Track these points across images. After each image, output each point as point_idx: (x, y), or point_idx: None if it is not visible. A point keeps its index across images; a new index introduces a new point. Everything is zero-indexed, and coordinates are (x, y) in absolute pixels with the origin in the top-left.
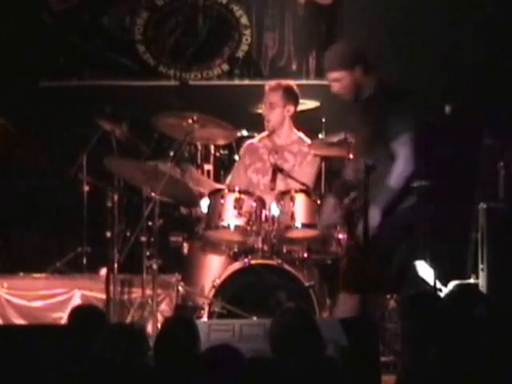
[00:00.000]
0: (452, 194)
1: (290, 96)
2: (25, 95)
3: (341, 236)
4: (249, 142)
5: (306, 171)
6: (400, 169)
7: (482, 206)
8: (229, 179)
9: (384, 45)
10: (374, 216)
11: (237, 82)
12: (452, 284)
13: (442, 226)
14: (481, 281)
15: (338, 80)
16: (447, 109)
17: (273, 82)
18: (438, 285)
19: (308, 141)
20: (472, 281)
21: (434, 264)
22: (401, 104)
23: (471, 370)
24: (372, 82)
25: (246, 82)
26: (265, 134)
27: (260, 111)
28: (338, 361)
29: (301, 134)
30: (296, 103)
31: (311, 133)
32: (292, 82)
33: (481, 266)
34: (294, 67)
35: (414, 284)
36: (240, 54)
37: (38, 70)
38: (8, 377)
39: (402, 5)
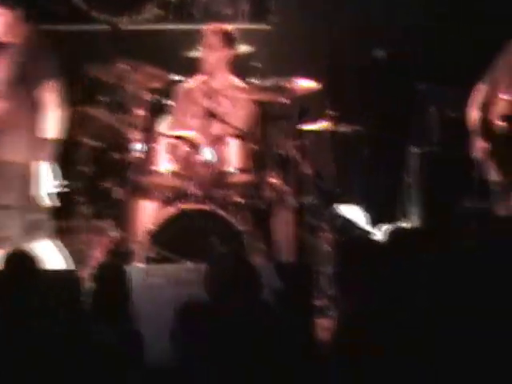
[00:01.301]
0: (384, 138)
1: (229, 40)
2: None
3: (274, 181)
4: (184, 85)
5: (241, 115)
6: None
7: (415, 150)
8: (163, 124)
9: None
10: None
11: (169, 26)
12: (384, 228)
13: (374, 170)
14: (412, 224)
15: None
16: (378, 53)
17: (212, 25)
18: (370, 229)
19: (243, 85)
20: (403, 225)
21: (366, 208)
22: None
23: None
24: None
25: (179, 26)
26: (200, 77)
27: (192, 56)
28: (273, 305)
29: (236, 79)
30: (234, 48)
31: (245, 77)
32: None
33: (412, 210)
34: (228, 11)
35: (347, 228)
36: None
37: None
38: None
39: None
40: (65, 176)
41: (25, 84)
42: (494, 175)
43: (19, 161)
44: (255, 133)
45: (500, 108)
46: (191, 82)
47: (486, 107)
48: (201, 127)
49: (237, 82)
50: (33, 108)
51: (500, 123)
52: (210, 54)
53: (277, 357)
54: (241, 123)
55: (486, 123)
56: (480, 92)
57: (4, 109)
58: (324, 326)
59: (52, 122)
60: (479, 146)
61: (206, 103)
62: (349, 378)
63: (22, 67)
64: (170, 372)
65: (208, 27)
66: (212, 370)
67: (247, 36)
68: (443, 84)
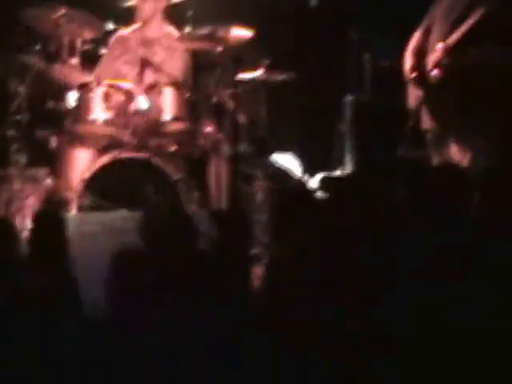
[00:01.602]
0: (318, 86)
1: None
2: None
3: (209, 129)
4: (119, 33)
5: (176, 64)
6: None
7: (349, 98)
8: (98, 72)
9: None
10: None
11: None
12: (319, 176)
13: (309, 118)
14: (347, 173)
15: None
16: (312, 1)
17: None
18: (305, 177)
19: (178, 34)
20: (338, 173)
21: (300, 156)
22: None
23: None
24: None
25: None
26: (136, 26)
27: (127, 4)
28: (209, 252)
29: (171, 28)
30: None
31: (178, 26)
32: None
33: (347, 158)
34: None
35: (281, 176)
36: None
37: None
38: None
39: None
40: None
41: None
42: (428, 124)
43: None
44: (190, 82)
45: (435, 56)
46: (128, 30)
47: (420, 55)
48: (135, 76)
49: (172, 30)
50: None
51: (435, 71)
52: (145, 2)
53: (212, 306)
54: (176, 72)
55: (420, 71)
56: (415, 40)
57: None
58: (259, 274)
59: None
60: (414, 95)
61: (141, 52)
62: (280, 326)
63: None
64: (104, 321)
65: None
66: (146, 319)
67: None
68: (379, 32)
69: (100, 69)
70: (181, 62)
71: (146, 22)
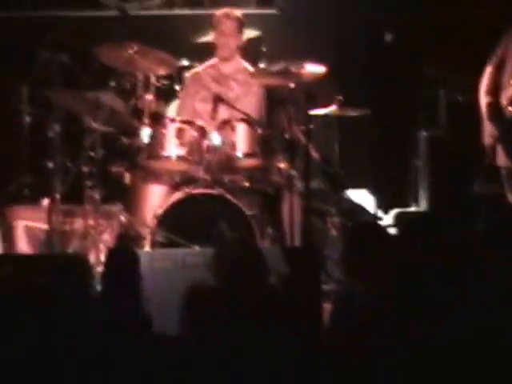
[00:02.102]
0: (392, 122)
1: (241, 25)
2: None
3: (282, 165)
4: (193, 70)
5: (253, 102)
6: None
7: (423, 133)
8: (172, 109)
9: None
10: None
11: (177, 11)
12: (393, 212)
13: (383, 154)
14: (421, 209)
15: None
16: (387, 37)
17: (224, 11)
18: (378, 213)
19: (252, 70)
20: (413, 209)
21: (374, 192)
22: None
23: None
24: None
25: (187, 11)
26: (210, 62)
27: (201, 40)
28: (281, 289)
29: (246, 64)
30: (243, 32)
31: (252, 62)
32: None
33: (421, 195)
34: None
35: (355, 213)
36: None
37: None
38: None
39: None
40: (74, 160)
41: None
42: (503, 160)
43: None
44: (264, 118)
45: (509, 92)
46: (200, 67)
47: (495, 92)
48: (209, 112)
49: (246, 66)
50: None
51: (510, 108)
52: (225, 39)
53: (284, 342)
54: (250, 108)
55: (495, 108)
56: (488, 77)
57: None
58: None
59: None
60: (489, 131)
61: (215, 88)
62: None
63: None
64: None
65: (220, 13)
66: (219, 354)
67: (253, 20)
68: (452, 68)
69: (178, 105)
70: (256, 97)
71: (224, 59)
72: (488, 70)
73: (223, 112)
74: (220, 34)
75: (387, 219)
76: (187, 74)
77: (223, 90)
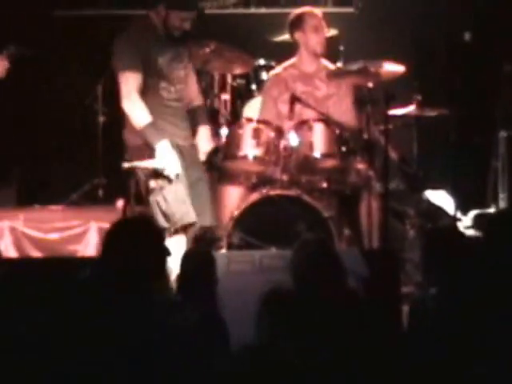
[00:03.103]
0: (471, 122)
1: (325, 22)
2: (41, 25)
3: (360, 166)
4: (273, 72)
5: (343, 101)
6: None
7: (503, 134)
8: (248, 109)
9: None
10: None
11: (253, 10)
12: (473, 213)
13: (461, 154)
14: (501, 210)
15: None
16: (466, 36)
17: (308, 8)
18: (458, 214)
19: (333, 69)
20: (492, 210)
21: (453, 193)
22: None
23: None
24: None
25: (263, 10)
26: (289, 62)
27: (279, 39)
28: (360, 291)
29: (326, 62)
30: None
31: (330, 61)
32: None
33: (501, 195)
34: None
35: (434, 214)
36: None
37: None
38: (26, 312)
39: None
40: None
41: None
42: None
43: None
44: (355, 117)
45: None
46: (279, 68)
47: None
48: (288, 112)
49: (327, 64)
50: None
51: None
52: (318, 35)
53: (363, 344)
54: (341, 107)
55: None
56: None
57: None
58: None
59: None
60: None
61: (300, 88)
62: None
63: None
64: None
65: (305, 10)
66: (298, 356)
67: (331, 19)
68: None
69: (260, 111)
70: (346, 96)
71: (319, 55)
72: None
73: (301, 112)
74: (311, 30)
75: (466, 220)
76: (267, 77)
77: (309, 90)
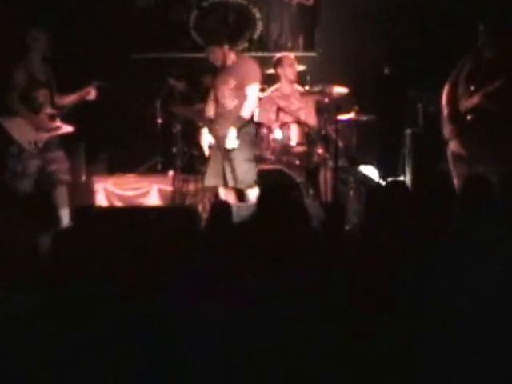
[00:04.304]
0: (389, 124)
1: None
2: (118, 65)
3: (320, 151)
4: (266, 93)
5: (310, 111)
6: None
7: (408, 131)
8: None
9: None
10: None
11: (253, 54)
12: (388, 180)
13: (383, 144)
14: (407, 179)
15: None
16: (386, 70)
17: (286, 54)
18: (380, 180)
19: (302, 91)
20: (402, 178)
21: (377, 168)
22: None
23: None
24: None
25: (260, 54)
26: (275, 87)
27: (269, 72)
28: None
29: (298, 86)
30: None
31: (300, 86)
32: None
33: (407, 169)
34: (289, 44)
35: (365, 180)
36: (255, 36)
37: (129, 45)
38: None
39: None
40: (188, 147)
41: None
42: (458, 148)
43: None
44: (316, 120)
45: (462, 104)
46: (269, 91)
47: (452, 103)
48: (275, 117)
49: (298, 88)
50: None
51: (464, 114)
52: (291, 70)
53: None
54: (308, 114)
55: (453, 113)
56: (446, 93)
57: None
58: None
59: None
60: (448, 129)
61: (282, 103)
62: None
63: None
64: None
65: (285, 55)
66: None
67: (301, 59)
68: (427, 89)
69: (259, 118)
70: (311, 108)
71: (290, 83)
72: (446, 87)
73: (283, 117)
74: (288, 66)
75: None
76: (262, 96)
77: (288, 104)
